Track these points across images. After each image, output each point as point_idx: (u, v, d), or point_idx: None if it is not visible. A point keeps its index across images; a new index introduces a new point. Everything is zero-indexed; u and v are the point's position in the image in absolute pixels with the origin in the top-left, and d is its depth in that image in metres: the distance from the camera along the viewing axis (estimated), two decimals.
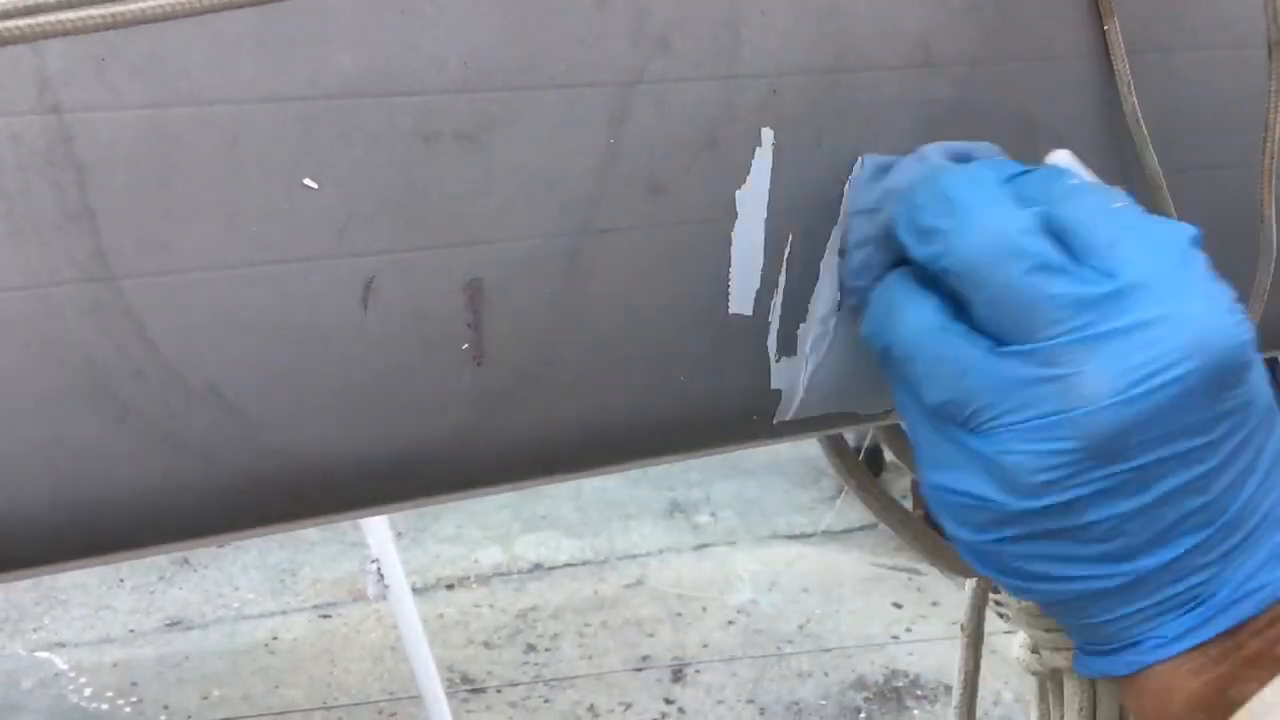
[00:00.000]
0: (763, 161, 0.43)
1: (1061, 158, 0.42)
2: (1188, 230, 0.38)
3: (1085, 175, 0.41)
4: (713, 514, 3.18)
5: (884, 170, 0.42)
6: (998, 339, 0.37)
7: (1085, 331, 0.35)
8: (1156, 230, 0.38)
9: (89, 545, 0.39)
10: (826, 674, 2.54)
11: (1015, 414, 0.36)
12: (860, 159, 0.43)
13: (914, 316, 0.38)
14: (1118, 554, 0.37)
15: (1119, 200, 0.39)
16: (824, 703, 2.45)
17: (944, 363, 0.37)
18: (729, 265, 0.43)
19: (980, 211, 0.37)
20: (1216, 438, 0.36)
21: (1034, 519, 0.36)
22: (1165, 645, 0.38)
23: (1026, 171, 0.40)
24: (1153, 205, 0.49)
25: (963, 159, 0.42)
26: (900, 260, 0.41)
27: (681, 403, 0.44)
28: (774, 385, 0.46)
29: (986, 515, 0.37)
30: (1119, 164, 0.49)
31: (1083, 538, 0.37)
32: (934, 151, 0.42)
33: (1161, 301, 0.36)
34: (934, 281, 0.38)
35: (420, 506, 0.44)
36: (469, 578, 2.92)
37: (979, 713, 0.77)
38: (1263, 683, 0.37)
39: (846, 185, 0.43)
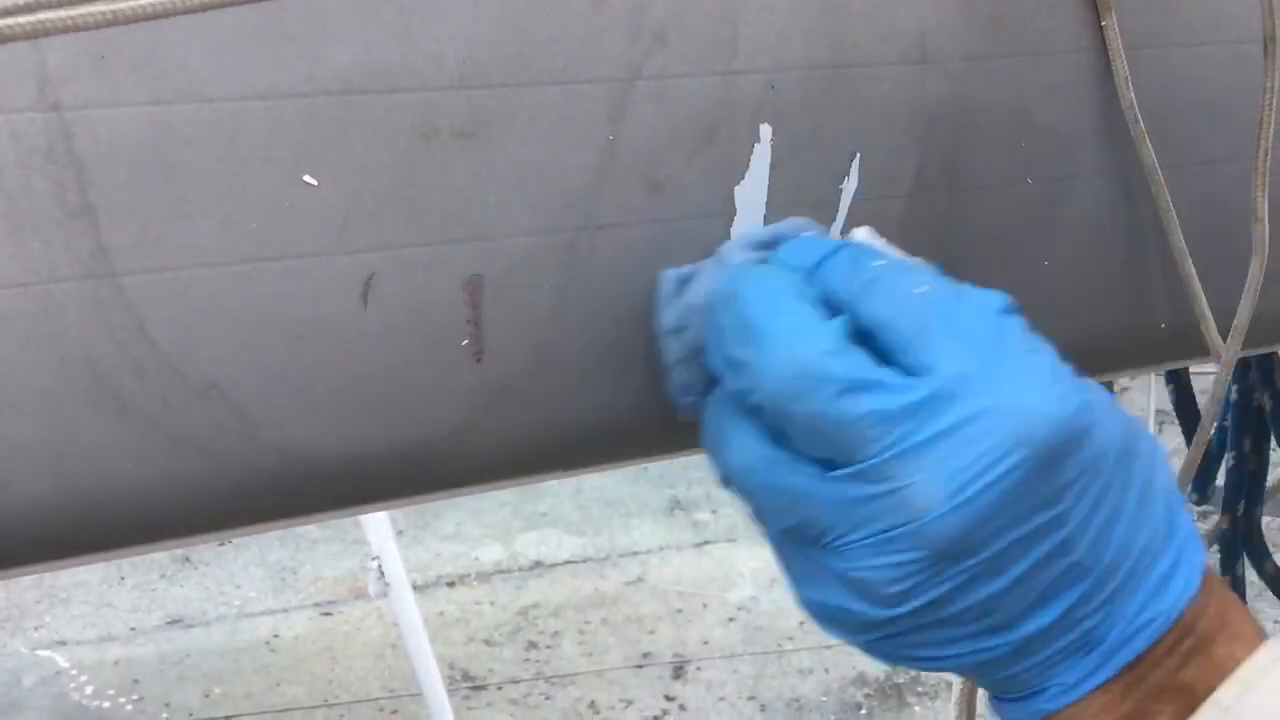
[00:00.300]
0: (761, 157, 0.43)
1: (861, 235, 0.42)
2: (996, 301, 0.37)
3: (888, 251, 0.41)
4: (713, 511, 3.19)
5: (684, 283, 0.41)
6: (823, 462, 0.36)
7: (905, 443, 0.35)
8: (964, 310, 0.37)
9: (89, 542, 0.39)
10: (827, 670, 2.54)
11: (856, 532, 0.36)
12: (660, 275, 0.42)
13: (739, 449, 0.38)
14: (996, 627, 0.37)
15: (923, 281, 0.38)
16: (825, 699, 2.45)
17: (777, 493, 0.37)
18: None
19: (781, 340, 0.36)
20: (1066, 507, 0.36)
21: (901, 622, 0.37)
22: (1067, 691, 0.38)
23: (831, 253, 0.39)
24: (1150, 200, 0.49)
25: (768, 246, 0.41)
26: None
27: None
28: None
29: (857, 622, 0.37)
30: (1115, 159, 0.49)
31: (957, 623, 0.37)
32: (733, 250, 0.41)
33: (979, 393, 0.35)
34: (756, 411, 0.38)
35: (421, 503, 0.44)
36: (470, 575, 2.92)
37: (979, 709, 0.77)
38: (1171, 716, 0.37)
39: (656, 302, 0.42)
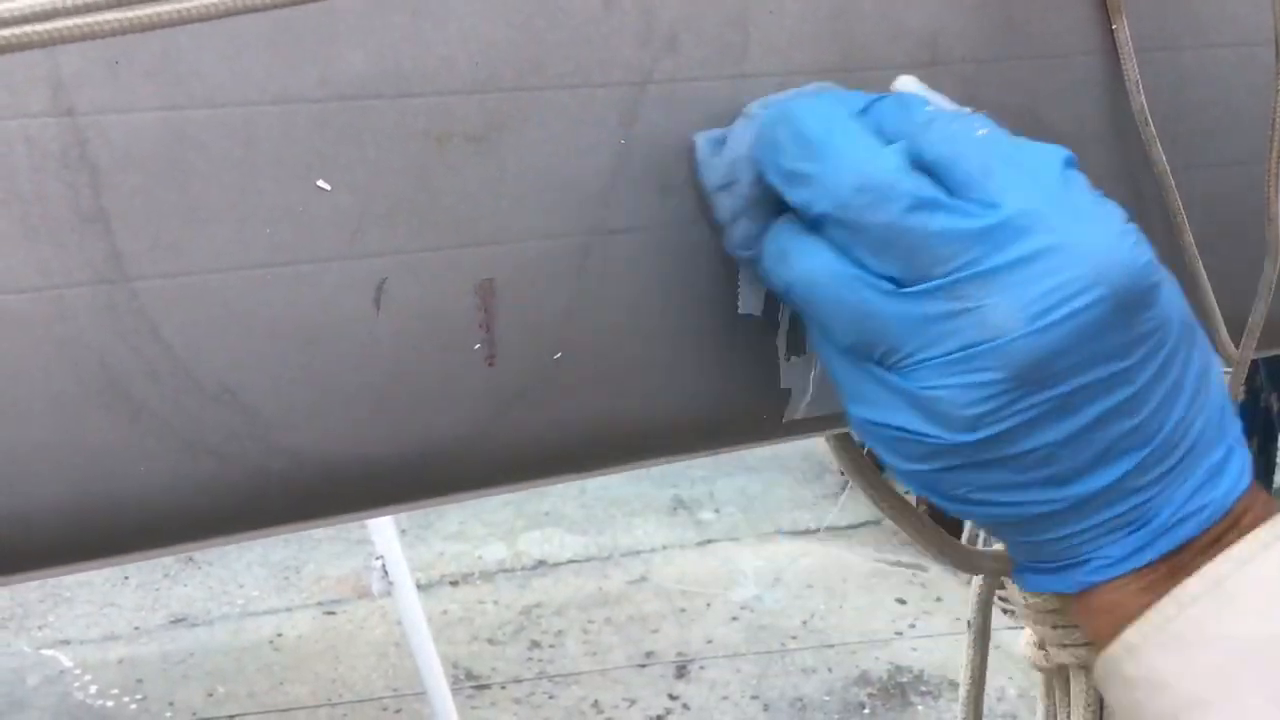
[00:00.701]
0: None
1: (908, 84, 0.40)
2: (1060, 152, 0.37)
3: (939, 101, 0.40)
4: (716, 510, 3.19)
5: (720, 143, 0.41)
6: (892, 279, 0.36)
7: (981, 265, 0.34)
8: (1029, 154, 0.36)
9: (104, 546, 0.39)
10: (830, 670, 2.54)
11: (931, 349, 0.35)
12: (693, 137, 0.41)
13: (807, 262, 0.37)
14: (1055, 479, 0.37)
15: (981, 125, 0.37)
16: (828, 699, 2.45)
17: (845, 306, 0.36)
18: (738, 265, 0.43)
19: (844, 152, 0.36)
20: (1136, 361, 0.36)
21: (969, 450, 0.36)
22: (1111, 565, 0.38)
23: (877, 100, 0.38)
24: (1161, 203, 0.49)
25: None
26: (777, 213, 0.39)
27: (692, 402, 0.45)
28: (783, 384, 0.46)
29: (922, 449, 0.36)
30: (1126, 161, 0.49)
31: (1019, 466, 0.36)
32: (758, 105, 0.41)
33: (1052, 229, 0.35)
34: (819, 224, 0.37)
35: (433, 506, 0.44)
36: (473, 574, 2.92)
37: (983, 708, 0.77)
38: None
39: (693, 169, 0.41)
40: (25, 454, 0.36)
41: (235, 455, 0.39)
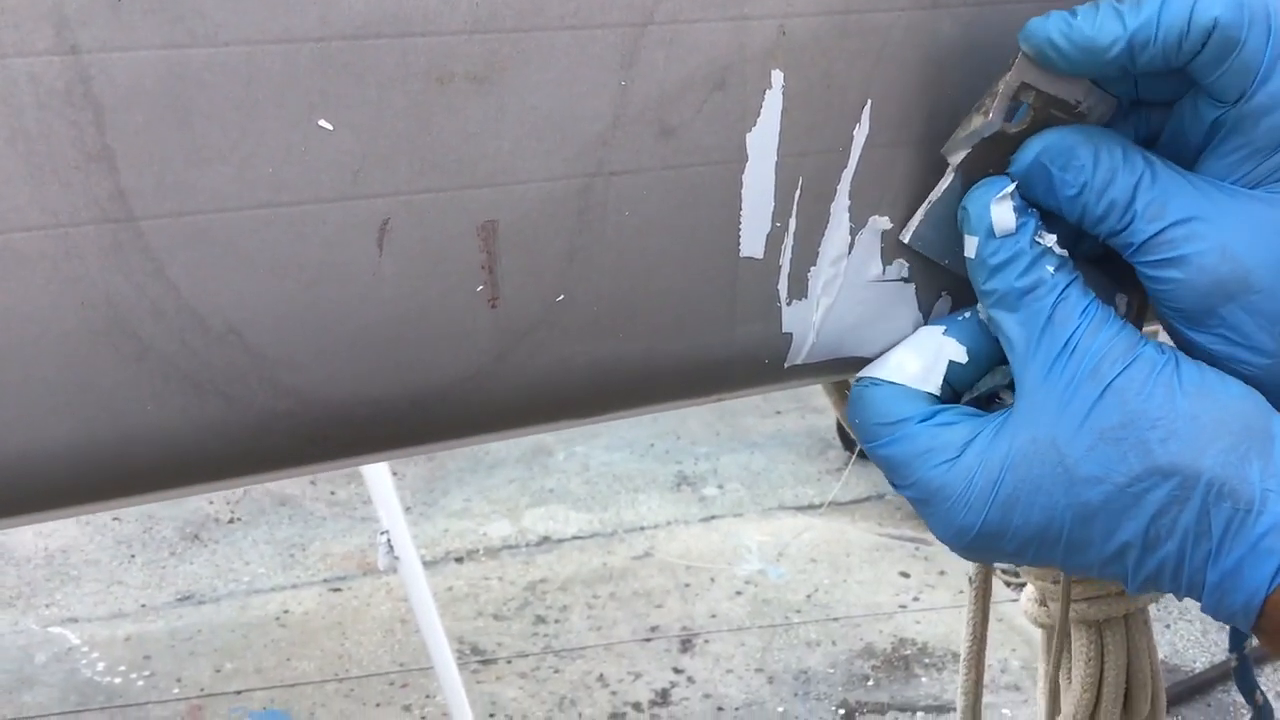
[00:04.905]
0: (773, 103, 0.43)
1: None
2: None
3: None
4: (720, 486, 3.19)
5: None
6: None
7: None
8: None
9: (112, 486, 0.40)
10: (834, 643, 2.55)
11: None
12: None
13: None
14: None
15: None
16: (832, 671, 2.46)
17: None
18: (740, 208, 0.43)
19: None
20: None
21: None
22: None
23: None
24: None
25: None
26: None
27: (693, 345, 0.45)
28: (785, 329, 0.46)
29: None
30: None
31: None
32: None
33: None
34: None
35: (436, 450, 0.44)
36: (478, 550, 2.93)
37: (985, 679, 0.77)
38: None
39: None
40: (33, 393, 0.37)
41: (242, 396, 0.39)
